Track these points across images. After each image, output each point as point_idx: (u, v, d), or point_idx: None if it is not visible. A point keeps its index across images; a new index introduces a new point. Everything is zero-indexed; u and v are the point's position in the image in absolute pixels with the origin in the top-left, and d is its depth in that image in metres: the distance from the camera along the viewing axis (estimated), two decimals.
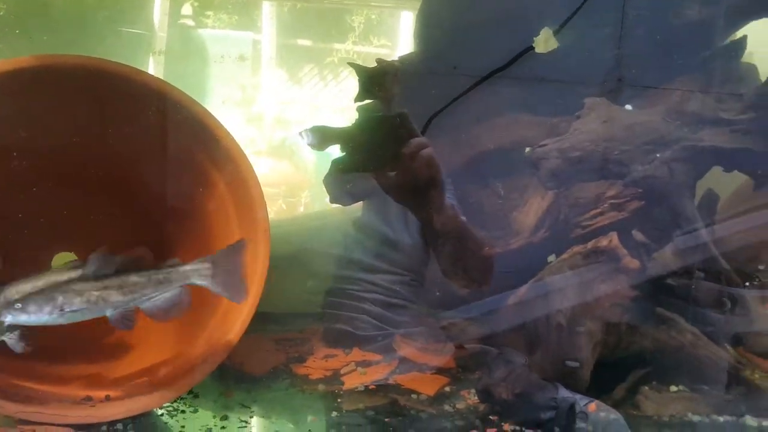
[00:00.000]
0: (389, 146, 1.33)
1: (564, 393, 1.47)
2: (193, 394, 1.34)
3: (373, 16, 2.96)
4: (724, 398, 1.30)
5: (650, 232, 1.19)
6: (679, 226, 1.16)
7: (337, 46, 3.06)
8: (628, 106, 1.20)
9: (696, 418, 1.30)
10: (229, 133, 1.33)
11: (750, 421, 1.28)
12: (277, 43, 3.07)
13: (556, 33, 1.51)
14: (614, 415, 1.41)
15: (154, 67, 2.68)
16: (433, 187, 1.32)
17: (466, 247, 1.40)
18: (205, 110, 1.31)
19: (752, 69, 1.28)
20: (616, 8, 1.36)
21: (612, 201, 1.27)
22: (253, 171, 1.35)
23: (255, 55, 3.06)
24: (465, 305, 1.43)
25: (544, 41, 1.46)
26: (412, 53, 1.50)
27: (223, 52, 2.87)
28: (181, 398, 1.31)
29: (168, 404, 1.26)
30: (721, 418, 1.30)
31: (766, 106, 1.16)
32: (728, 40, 1.30)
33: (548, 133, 1.29)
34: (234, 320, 1.32)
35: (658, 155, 1.12)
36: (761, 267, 1.25)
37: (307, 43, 3.20)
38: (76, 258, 1.50)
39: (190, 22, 2.97)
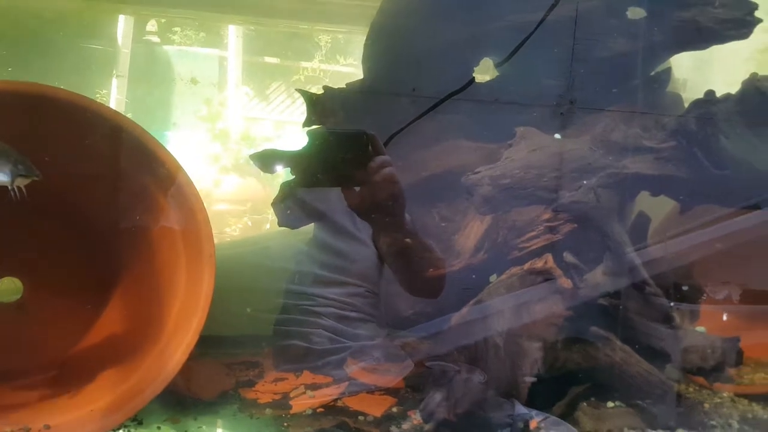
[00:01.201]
0: (351, 164, 1.39)
1: (521, 410, 1.51)
2: (137, 421, 1.33)
3: (340, 36, 3.01)
4: (656, 413, 1.35)
5: (582, 254, 1.25)
6: (608, 248, 1.22)
7: (304, 64, 3.10)
8: (557, 135, 1.26)
9: None
10: (172, 155, 1.34)
11: None
12: (244, 60, 3.10)
13: (508, 59, 1.58)
14: (569, 429, 1.46)
15: (117, 85, 2.67)
16: (395, 204, 1.38)
17: (422, 262, 1.46)
18: (147, 133, 1.32)
19: (677, 98, 1.35)
20: (568, 34, 1.43)
21: (547, 224, 1.32)
22: (197, 195, 1.36)
23: (221, 72, 3.08)
24: (413, 324, 1.46)
25: (484, 71, 1.53)
26: (360, 79, 1.54)
27: (188, 69, 2.88)
28: (124, 426, 1.30)
29: None
30: None
31: (687, 134, 1.24)
32: (655, 71, 1.38)
33: (487, 158, 1.34)
34: (177, 347, 1.32)
35: (584, 182, 1.18)
36: (685, 288, 1.31)
37: (274, 60, 3.23)
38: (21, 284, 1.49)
39: (155, 39, 2.96)
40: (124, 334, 1.41)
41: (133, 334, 1.40)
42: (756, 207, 1.42)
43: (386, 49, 1.47)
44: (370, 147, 1.37)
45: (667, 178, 1.23)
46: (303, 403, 1.42)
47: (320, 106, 1.38)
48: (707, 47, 1.35)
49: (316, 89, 1.56)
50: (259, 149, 1.51)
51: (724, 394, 1.55)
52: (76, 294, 1.43)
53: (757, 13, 1.41)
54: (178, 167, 1.32)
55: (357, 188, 1.38)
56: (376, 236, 1.55)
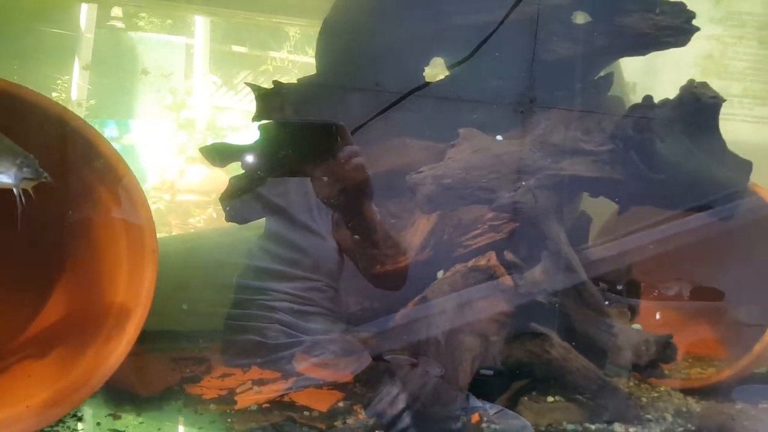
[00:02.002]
0: (320, 155, 1.38)
1: (475, 402, 1.54)
2: (77, 417, 1.31)
3: (310, 29, 2.98)
4: (594, 407, 1.40)
5: (522, 253, 1.27)
6: (546, 247, 1.25)
7: (272, 54, 3.06)
8: (499, 137, 1.28)
9: (570, 426, 1.38)
10: (113, 148, 1.31)
11: (618, 428, 1.37)
12: (211, 48, 3.04)
13: (469, 57, 1.59)
14: (522, 422, 1.50)
15: (79, 72, 2.59)
16: (363, 193, 1.39)
17: (387, 252, 1.47)
18: (87, 124, 1.28)
19: (617, 101, 1.39)
20: (530, 33, 1.44)
21: (490, 223, 1.34)
22: (140, 188, 1.34)
23: (188, 60, 3.02)
24: (360, 319, 1.47)
25: (437, 69, 1.54)
26: (313, 73, 1.53)
27: (154, 56, 2.81)
28: (63, 422, 1.28)
29: (48, 428, 1.23)
30: (593, 426, 1.38)
31: (625, 137, 1.27)
32: (598, 75, 1.41)
33: (435, 157, 1.35)
34: (118, 342, 1.30)
35: (523, 183, 1.20)
36: (623, 286, 1.35)
37: (242, 50, 3.18)
38: None
39: (120, 25, 2.88)
40: (63, 328, 1.38)
41: (73, 328, 1.37)
42: (698, 209, 1.48)
43: (340, 45, 1.47)
44: (339, 138, 1.38)
45: (604, 180, 1.26)
46: (249, 398, 1.42)
47: (270, 101, 1.37)
48: (647, 53, 1.39)
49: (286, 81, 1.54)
50: (216, 141, 1.49)
51: (661, 389, 1.61)
52: (15, 288, 1.39)
53: (699, 22, 1.46)
54: (119, 160, 1.29)
55: (325, 179, 1.40)
56: (339, 228, 1.55)
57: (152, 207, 2.75)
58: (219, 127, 3.00)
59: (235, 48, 3.10)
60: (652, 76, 1.58)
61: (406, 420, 1.36)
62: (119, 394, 1.36)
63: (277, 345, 1.61)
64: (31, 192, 1.03)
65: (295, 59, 3.00)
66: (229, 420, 1.34)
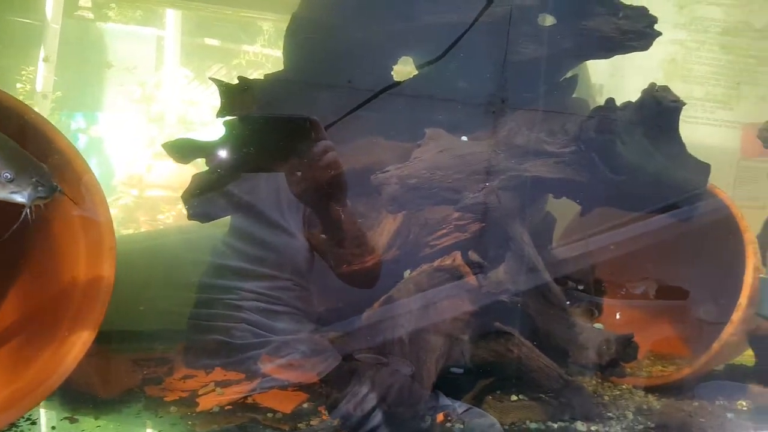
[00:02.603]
0: (293, 150, 1.36)
1: (444, 401, 1.54)
2: (31, 421, 1.27)
3: (283, 25, 2.94)
4: (557, 406, 1.41)
5: (486, 253, 1.28)
6: (509, 247, 1.26)
7: (246, 47, 3.01)
8: (464, 137, 1.28)
9: (533, 425, 1.40)
10: (70, 143, 1.27)
11: (580, 426, 1.39)
12: (183, 41, 2.98)
13: (441, 56, 1.59)
14: (491, 420, 1.50)
15: (44, 63, 2.50)
16: (338, 188, 1.37)
17: (353, 251, 1.45)
18: (44, 119, 1.24)
19: (582, 103, 1.40)
20: (501, 34, 1.44)
21: (456, 222, 1.34)
22: (98, 185, 1.30)
23: (159, 52, 2.94)
24: (325, 319, 1.46)
25: (406, 69, 1.53)
26: (280, 69, 1.51)
27: (123, 47, 2.74)
28: (15, 425, 1.24)
29: None
30: (556, 425, 1.40)
31: (587, 139, 1.29)
32: (563, 77, 1.43)
33: (403, 157, 1.35)
34: (74, 343, 1.26)
35: (487, 183, 1.20)
36: (585, 286, 1.38)
37: (214, 42, 3.12)
38: None
39: (89, 15, 2.80)
40: (18, 328, 1.33)
41: (28, 328, 1.32)
42: (659, 211, 1.51)
43: (309, 41, 1.45)
44: (312, 133, 1.36)
45: (567, 181, 1.28)
46: (211, 400, 1.39)
47: (235, 97, 1.34)
48: (611, 56, 1.41)
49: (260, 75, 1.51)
50: (186, 136, 1.46)
51: (624, 387, 1.64)
52: None
53: (664, 27, 1.49)
54: (77, 155, 1.25)
55: (299, 174, 1.38)
56: (311, 226, 1.53)
57: (120, 202, 2.69)
58: (190, 121, 2.94)
59: (208, 41, 3.04)
60: (617, 79, 1.61)
61: (376, 419, 1.35)
62: (76, 396, 1.32)
63: (244, 345, 1.58)
64: (42, 206, 1.03)
65: (269, 53, 2.96)
66: (190, 422, 1.31)
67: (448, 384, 1.41)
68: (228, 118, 1.48)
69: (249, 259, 1.60)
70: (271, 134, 1.35)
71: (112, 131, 2.60)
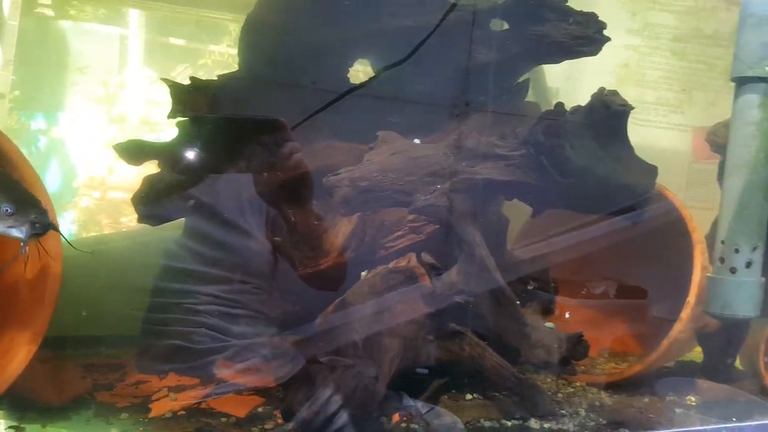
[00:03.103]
0: (260, 151, 1.35)
1: (408, 402, 1.54)
2: None
3: None
4: (511, 404, 1.44)
5: (440, 255, 1.29)
6: (462, 249, 1.27)
7: (212, 47, 2.97)
8: (417, 140, 1.29)
9: (487, 423, 1.42)
10: (15, 146, 1.24)
11: (534, 424, 1.41)
12: (147, 40, 2.92)
13: (405, 59, 1.59)
14: (453, 419, 1.52)
15: (1, 61, 2.42)
16: (304, 189, 1.35)
17: (307, 254, 1.43)
18: None
19: (534, 107, 1.43)
20: (466, 37, 1.45)
21: (411, 224, 1.35)
22: (44, 189, 1.27)
23: (122, 51, 2.88)
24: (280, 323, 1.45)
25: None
26: (234, 70, 1.49)
27: (85, 46, 2.67)
28: None
29: None
30: (509, 423, 1.42)
31: (536, 142, 1.31)
32: (516, 81, 1.45)
33: (359, 159, 1.35)
34: (18, 350, 1.23)
35: (438, 186, 1.21)
36: (530, 287, 1.40)
37: (180, 42, 3.07)
38: None
39: (49, 13, 2.72)
40: None
41: None
42: (611, 213, 1.55)
43: (262, 42, 1.44)
44: (279, 134, 1.35)
45: (517, 183, 1.29)
46: (164, 405, 1.37)
47: (187, 97, 1.32)
48: (561, 61, 1.43)
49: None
50: (140, 137, 1.43)
51: (577, 384, 1.68)
52: None
53: (617, 33, 1.53)
54: (20, 158, 1.22)
55: (265, 175, 1.36)
56: (275, 228, 1.52)
57: (81, 205, 2.61)
58: (154, 122, 2.89)
59: (173, 40, 2.99)
60: (573, 83, 1.64)
61: (340, 421, 1.35)
62: (23, 404, 1.28)
63: (204, 350, 1.57)
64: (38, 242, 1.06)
65: (235, 53, 2.93)
66: (142, 429, 1.28)
67: (404, 384, 1.42)
68: (180, 119, 1.48)
69: (208, 262, 1.57)
70: (234, 135, 1.34)
71: (73, 132, 2.53)
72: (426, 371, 1.48)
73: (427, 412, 1.48)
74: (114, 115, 2.86)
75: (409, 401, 1.49)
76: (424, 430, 1.44)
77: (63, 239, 1.14)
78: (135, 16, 2.82)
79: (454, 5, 1.50)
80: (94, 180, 2.66)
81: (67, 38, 2.68)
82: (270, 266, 1.61)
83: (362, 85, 1.56)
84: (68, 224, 2.25)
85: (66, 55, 2.60)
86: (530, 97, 1.72)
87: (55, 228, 1.08)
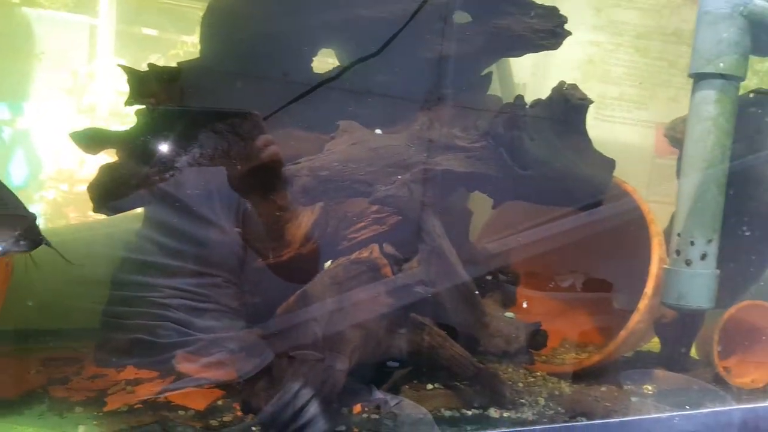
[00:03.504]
0: (234, 144, 1.35)
1: (377, 394, 1.55)
2: None
3: None
4: (471, 393, 1.45)
5: (403, 246, 1.29)
6: (423, 240, 1.28)
7: (184, 38, 2.93)
8: (378, 130, 1.29)
9: (448, 413, 1.44)
10: None
11: (493, 413, 1.43)
12: (118, 30, 2.86)
13: (377, 53, 1.58)
14: (422, 411, 1.52)
15: None
16: (278, 182, 1.31)
17: (268, 245, 1.42)
18: None
19: (496, 100, 1.44)
20: (428, 29, 1.44)
21: (374, 215, 1.35)
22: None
23: (92, 41, 2.81)
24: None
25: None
26: (195, 58, 1.47)
27: (53, 35, 2.60)
28: None
29: None
30: (470, 412, 1.44)
31: (495, 134, 1.32)
32: (479, 74, 1.46)
33: (321, 149, 1.34)
34: None
35: (399, 176, 1.22)
36: (490, 278, 1.42)
37: (151, 32, 3.02)
38: None
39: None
40: None
41: None
42: (575, 206, 1.57)
43: (224, 31, 1.42)
44: (252, 126, 1.34)
45: (477, 175, 1.30)
46: (120, 399, 1.35)
47: (145, 84, 1.29)
48: (522, 54, 1.45)
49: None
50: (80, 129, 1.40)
51: (538, 374, 1.71)
52: None
53: (582, 29, 1.55)
54: None
55: (239, 167, 1.34)
56: (247, 220, 1.50)
57: (48, 197, 2.54)
58: (124, 113, 2.84)
59: (145, 30, 2.94)
60: (538, 78, 1.65)
61: (308, 414, 1.35)
62: None
63: (170, 344, 1.55)
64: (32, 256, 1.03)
65: None
66: (95, 423, 1.27)
67: (367, 376, 1.42)
68: (139, 107, 1.45)
69: (174, 255, 1.55)
70: (200, 125, 1.32)
71: (40, 123, 2.47)
72: (396, 364, 1.49)
73: (397, 404, 1.49)
74: (83, 106, 2.80)
75: (378, 394, 1.49)
76: (392, 422, 1.46)
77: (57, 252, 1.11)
78: (105, 5, 2.76)
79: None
80: (62, 173, 2.60)
81: (33, 26, 2.61)
82: (237, 258, 1.60)
83: (335, 77, 1.55)
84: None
85: (33, 43, 2.54)
86: (497, 91, 1.74)
87: (48, 243, 1.06)
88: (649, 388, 1.66)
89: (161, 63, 2.96)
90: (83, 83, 2.78)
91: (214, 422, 1.33)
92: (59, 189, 2.53)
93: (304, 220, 1.41)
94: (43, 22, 2.58)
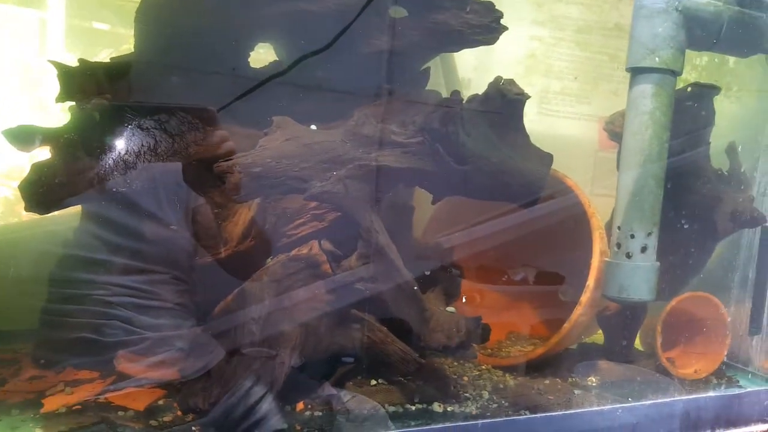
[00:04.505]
0: (188, 140, 1.32)
1: (330, 390, 1.55)
2: None
3: None
4: (414, 388, 1.46)
5: (343, 242, 1.29)
6: (361, 236, 1.28)
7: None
8: (313, 126, 1.29)
9: (391, 408, 1.44)
10: None
11: (437, 407, 1.45)
12: (67, 23, 2.80)
13: (326, 47, 1.57)
14: (373, 404, 1.53)
15: None
16: (228, 176, 1.27)
17: (205, 243, 1.41)
18: None
19: (434, 95, 1.44)
20: (375, 27, 1.43)
21: (313, 212, 1.34)
22: None
23: (42, 35, 2.75)
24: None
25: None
26: (129, 53, 1.45)
27: (1, 29, 2.53)
28: None
29: None
30: (413, 407, 1.45)
31: (431, 130, 1.32)
32: (417, 70, 1.46)
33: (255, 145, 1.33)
34: None
35: (334, 173, 1.21)
36: (428, 273, 1.43)
37: (103, 27, 2.96)
38: None
39: None
40: None
41: None
42: (517, 201, 1.58)
43: (159, 24, 1.39)
44: (207, 122, 1.32)
45: (414, 171, 1.30)
46: (58, 400, 1.33)
47: (75, 80, 1.27)
48: (459, 50, 1.45)
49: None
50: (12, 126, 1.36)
51: (483, 367, 1.73)
52: None
53: (523, 24, 1.55)
54: None
55: (194, 164, 1.32)
56: (202, 216, 1.49)
57: None
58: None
59: (96, 25, 2.88)
60: (481, 73, 1.66)
61: (261, 411, 1.34)
62: None
63: (116, 342, 1.53)
64: None
65: None
66: (31, 425, 1.25)
67: (307, 373, 1.42)
68: (72, 103, 1.42)
69: (119, 252, 1.53)
70: (153, 121, 1.29)
71: None
72: (351, 360, 1.49)
73: (349, 399, 1.49)
74: (34, 102, 2.74)
75: (331, 390, 1.49)
76: (345, 418, 1.46)
77: None
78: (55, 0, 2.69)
79: None
80: (14, 170, 2.54)
81: None
82: (186, 254, 1.59)
83: (284, 72, 1.53)
84: None
85: None
86: (442, 86, 1.74)
87: None
88: (593, 380, 1.68)
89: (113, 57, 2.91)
90: (35, 78, 2.71)
91: (154, 422, 1.32)
92: (10, 186, 2.48)
93: (241, 217, 1.41)
94: None
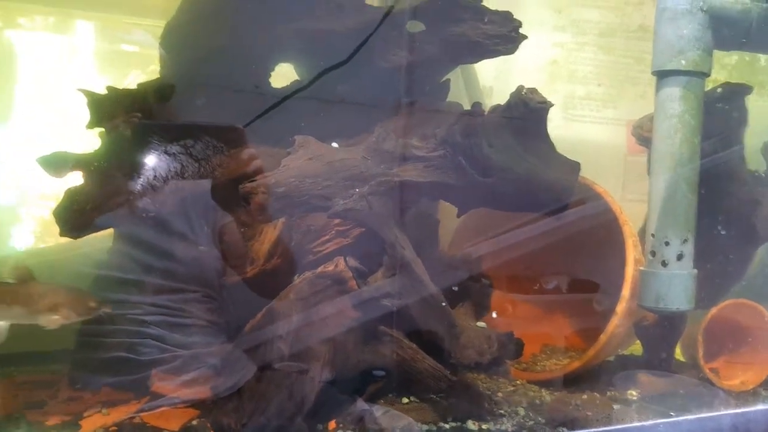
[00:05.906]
0: (218, 159, 1.36)
1: (363, 406, 1.53)
2: None
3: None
4: (447, 406, 1.43)
5: (369, 258, 1.29)
6: (386, 252, 1.27)
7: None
8: (335, 144, 1.29)
9: (425, 427, 1.41)
10: None
11: (471, 425, 1.41)
12: (99, 48, 2.91)
13: (345, 62, 1.59)
14: (408, 420, 1.50)
15: None
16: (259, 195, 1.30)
17: (233, 263, 1.43)
18: None
19: (455, 107, 1.43)
20: (393, 42, 1.45)
21: (338, 228, 1.35)
22: None
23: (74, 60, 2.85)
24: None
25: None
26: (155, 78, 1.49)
27: (35, 55, 2.65)
28: None
29: None
30: (447, 425, 1.42)
31: (454, 142, 1.31)
32: (436, 82, 1.45)
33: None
34: None
35: (357, 190, 1.21)
36: (456, 288, 1.40)
37: (133, 49, 3.06)
38: None
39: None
40: None
41: None
42: (546, 211, 1.55)
43: (183, 49, 1.43)
44: (238, 141, 1.35)
45: (438, 185, 1.29)
46: (95, 422, 1.35)
47: (104, 107, 1.31)
48: (479, 61, 1.44)
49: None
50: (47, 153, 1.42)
51: (518, 382, 1.68)
52: None
53: (544, 30, 1.54)
54: None
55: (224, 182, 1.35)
56: (229, 236, 1.51)
57: (37, 216, 2.56)
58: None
59: (125, 47, 2.99)
60: (502, 82, 1.64)
61: (294, 427, 1.34)
62: None
63: (150, 361, 1.55)
64: None
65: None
66: None
67: (338, 390, 1.41)
68: (102, 129, 1.47)
69: (152, 272, 1.56)
70: (182, 142, 1.33)
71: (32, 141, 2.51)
72: (382, 373, 1.47)
73: (382, 414, 1.47)
74: (71, 125, 2.84)
75: (364, 405, 1.48)
76: None
77: None
78: (84, 25, 2.81)
79: (391, 8, 1.51)
80: (51, 191, 2.62)
81: (14, 47, 2.66)
82: (216, 273, 1.61)
83: (306, 86, 1.55)
84: (25, 235, 2.23)
85: (15, 65, 2.58)
86: (464, 97, 1.73)
87: None
88: (633, 393, 1.62)
89: (141, 79, 3.02)
90: (69, 102, 2.82)
91: None
92: (47, 207, 2.56)
93: (267, 236, 1.42)
94: (25, 42, 2.63)
